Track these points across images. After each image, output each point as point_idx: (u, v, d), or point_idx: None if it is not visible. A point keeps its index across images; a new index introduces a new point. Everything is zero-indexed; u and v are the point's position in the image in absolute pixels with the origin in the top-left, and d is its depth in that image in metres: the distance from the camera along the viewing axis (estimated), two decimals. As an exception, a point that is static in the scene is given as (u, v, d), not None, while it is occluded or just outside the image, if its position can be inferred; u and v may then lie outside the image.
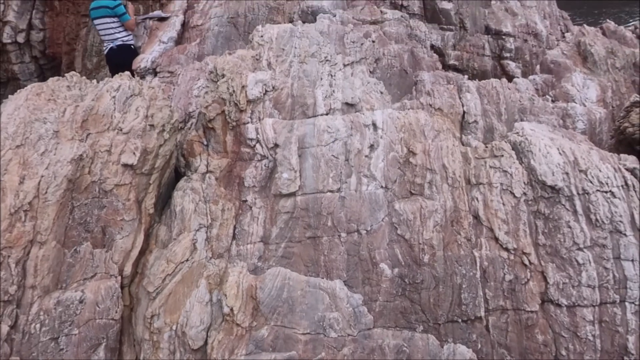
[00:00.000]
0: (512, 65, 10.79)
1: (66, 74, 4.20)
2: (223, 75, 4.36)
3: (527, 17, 11.63)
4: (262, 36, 4.77)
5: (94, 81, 4.25)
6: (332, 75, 4.67)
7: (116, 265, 3.71)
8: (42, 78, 12.87)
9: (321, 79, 4.59)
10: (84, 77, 4.26)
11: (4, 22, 11.97)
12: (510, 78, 10.73)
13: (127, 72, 4.37)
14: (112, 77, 8.48)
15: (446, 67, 10.65)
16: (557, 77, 7.22)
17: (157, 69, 7.90)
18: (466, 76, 9.60)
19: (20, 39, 12.11)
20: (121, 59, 8.09)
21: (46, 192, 3.55)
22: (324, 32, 5.49)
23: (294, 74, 4.55)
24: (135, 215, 3.82)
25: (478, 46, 10.96)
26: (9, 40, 12.00)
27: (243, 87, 4.27)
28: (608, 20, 8.69)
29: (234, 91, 4.26)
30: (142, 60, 7.95)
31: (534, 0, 12.25)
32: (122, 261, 3.74)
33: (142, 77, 7.95)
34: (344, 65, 4.95)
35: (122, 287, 3.74)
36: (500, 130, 5.90)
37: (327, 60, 4.76)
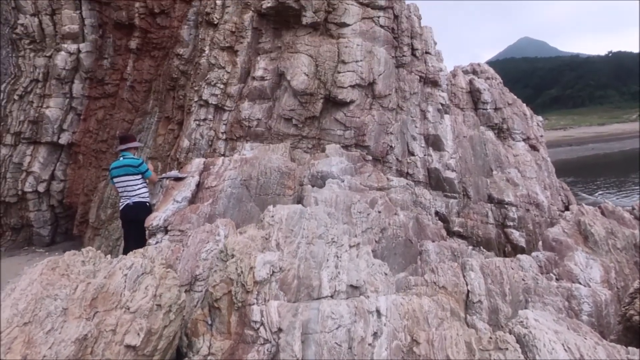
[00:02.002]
0: (515, 234, 11.04)
1: (82, 249, 4.35)
2: (233, 256, 4.51)
3: (528, 188, 12.13)
4: (272, 216, 5.00)
5: (109, 257, 4.39)
6: (338, 257, 4.81)
7: None
8: (56, 226, 13.28)
9: (327, 260, 4.72)
10: (99, 252, 4.41)
11: (28, 172, 12.67)
12: (514, 247, 10.94)
13: (141, 250, 4.53)
14: (124, 231, 8.80)
15: (451, 233, 10.92)
16: (559, 255, 7.34)
17: (169, 227, 8.14)
18: (470, 247, 9.80)
19: (41, 188, 12.73)
20: (136, 216, 8.36)
21: (45, 374, 3.52)
22: (332, 212, 5.73)
23: (301, 255, 4.69)
24: (131, 400, 3.73)
25: (482, 214, 11.31)
26: (30, 189, 12.62)
27: (251, 268, 4.39)
28: (606, 200, 9.03)
29: (242, 272, 4.37)
30: (155, 219, 8.21)
31: (533, 171, 12.87)
32: None
33: (153, 235, 8.18)
34: (350, 247, 5.11)
35: None
36: (505, 311, 5.90)
37: (333, 241, 4.93)
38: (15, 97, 13.28)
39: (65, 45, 13.45)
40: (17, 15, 13.61)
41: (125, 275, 4.09)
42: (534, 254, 7.63)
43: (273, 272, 4.47)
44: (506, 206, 11.45)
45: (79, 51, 13.50)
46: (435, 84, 13.48)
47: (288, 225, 4.90)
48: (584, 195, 24.15)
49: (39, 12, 13.65)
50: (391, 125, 11.93)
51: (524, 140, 13.78)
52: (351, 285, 4.68)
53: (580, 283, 6.84)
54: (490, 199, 11.70)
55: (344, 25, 12.64)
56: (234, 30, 12.73)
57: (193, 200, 9.09)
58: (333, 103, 11.68)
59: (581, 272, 7.00)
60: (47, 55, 13.48)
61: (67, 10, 13.67)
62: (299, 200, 9.14)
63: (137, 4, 13.61)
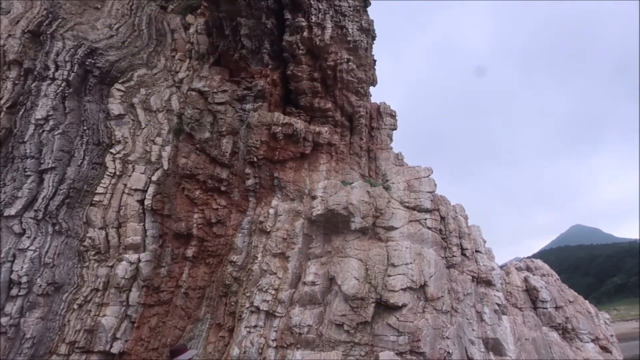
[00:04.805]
0: None
1: None
2: None
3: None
4: None
5: None
6: None
7: None
8: None
9: None
10: None
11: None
12: None
13: None
14: None
15: None
16: None
17: None
18: None
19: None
20: None
21: None
22: None
23: None
24: None
25: None
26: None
27: None
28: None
29: None
30: None
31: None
32: None
33: None
34: None
35: None
36: None
37: None
38: (75, 307, 13.66)
39: (127, 255, 14.17)
40: (86, 229, 14.66)
41: None
42: None
43: None
44: None
45: (139, 260, 14.15)
46: (489, 283, 13.18)
47: None
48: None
49: (107, 225, 14.70)
50: (447, 329, 11.44)
51: (592, 340, 12.81)
52: None
53: None
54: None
55: (392, 228, 12.98)
56: (285, 237, 13.24)
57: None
58: (385, 307, 11.46)
59: None
60: (109, 265, 14.15)
61: (132, 223, 14.69)
62: (353, 418, 8.53)
63: (196, 215, 14.54)
